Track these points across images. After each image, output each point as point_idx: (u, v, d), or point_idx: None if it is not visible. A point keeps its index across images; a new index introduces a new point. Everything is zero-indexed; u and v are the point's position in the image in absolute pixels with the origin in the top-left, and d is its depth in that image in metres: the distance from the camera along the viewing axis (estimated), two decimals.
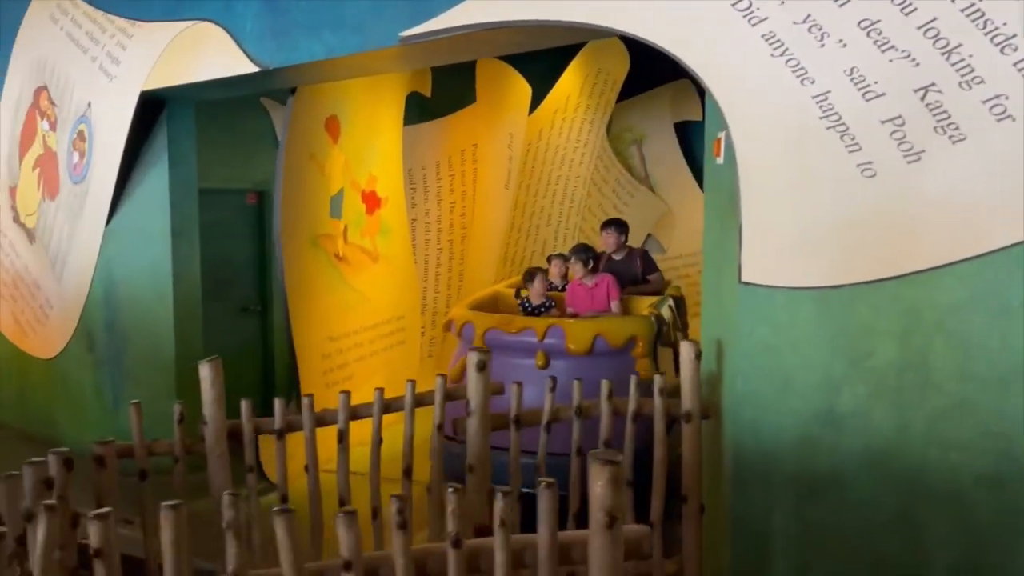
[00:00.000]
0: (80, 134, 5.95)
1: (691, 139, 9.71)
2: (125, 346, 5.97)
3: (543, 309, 5.93)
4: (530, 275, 6.08)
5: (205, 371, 2.82)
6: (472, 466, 2.91)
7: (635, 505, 3.01)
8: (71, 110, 6.03)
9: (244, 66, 4.75)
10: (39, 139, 6.41)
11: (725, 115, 2.89)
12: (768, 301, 2.84)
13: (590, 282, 5.78)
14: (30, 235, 6.58)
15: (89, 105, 5.85)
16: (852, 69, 2.61)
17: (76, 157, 6.02)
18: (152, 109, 5.64)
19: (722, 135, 3.07)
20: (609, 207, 9.39)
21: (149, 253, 5.84)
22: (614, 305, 5.69)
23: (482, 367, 2.88)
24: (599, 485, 1.68)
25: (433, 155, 8.05)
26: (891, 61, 2.55)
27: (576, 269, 5.82)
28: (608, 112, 9.02)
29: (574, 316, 5.60)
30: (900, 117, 2.55)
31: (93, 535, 1.61)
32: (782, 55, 2.73)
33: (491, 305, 6.20)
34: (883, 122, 2.57)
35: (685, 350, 3.02)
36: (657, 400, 3.04)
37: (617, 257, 6.42)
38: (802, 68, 2.70)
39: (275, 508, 1.67)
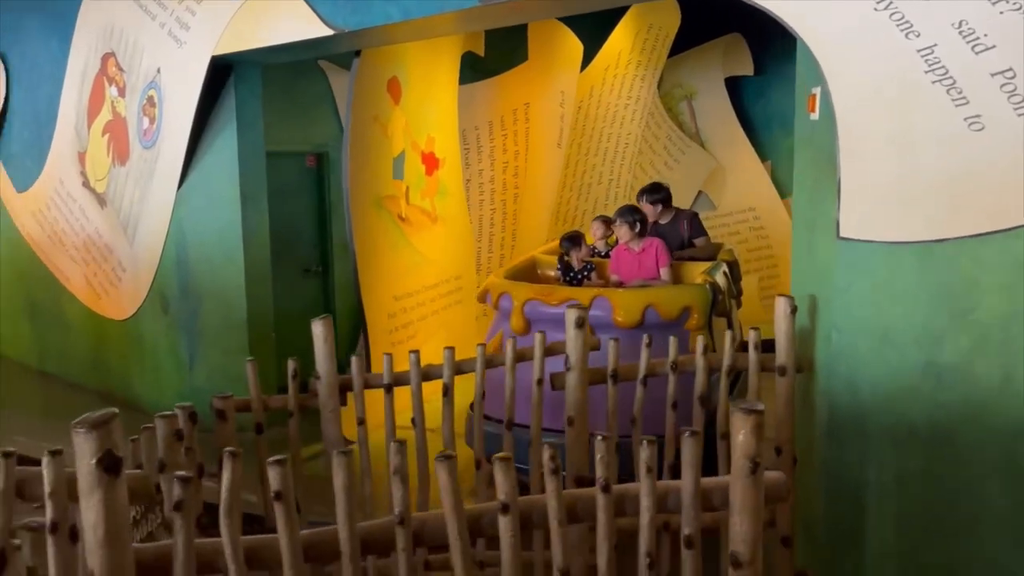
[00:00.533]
0: (150, 100, 6.05)
1: (742, 94, 9.60)
2: (198, 307, 6.13)
3: (582, 275, 5.64)
4: (572, 239, 5.79)
5: (318, 328, 2.92)
6: (572, 419, 3.00)
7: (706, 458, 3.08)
8: (140, 76, 6.12)
9: (317, 29, 4.79)
10: (107, 105, 6.52)
11: (824, 70, 2.89)
12: (867, 256, 2.86)
13: (637, 247, 5.36)
14: (100, 200, 6.73)
15: (159, 71, 5.93)
16: (960, 22, 2.60)
17: (146, 123, 6.12)
18: (220, 74, 5.71)
19: (817, 91, 3.07)
20: (660, 164, 9.36)
21: (220, 216, 5.96)
22: (664, 272, 5.27)
23: (580, 324, 2.95)
24: (742, 433, 1.75)
25: (486, 115, 8.07)
26: (1001, 13, 2.54)
27: (622, 233, 5.39)
28: (660, 68, 8.95)
29: (618, 285, 5.30)
30: (1011, 70, 2.54)
31: (273, 479, 1.71)
32: (886, 8, 2.72)
33: (529, 273, 5.95)
34: (993, 75, 2.57)
35: (780, 305, 3.06)
36: (752, 355, 3.10)
37: (663, 221, 6.01)
38: (907, 22, 2.69)
39: (439, 454, 1.76)
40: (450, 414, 3.02)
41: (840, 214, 2.90)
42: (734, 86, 9.56)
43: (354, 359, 3.03)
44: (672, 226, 6.01)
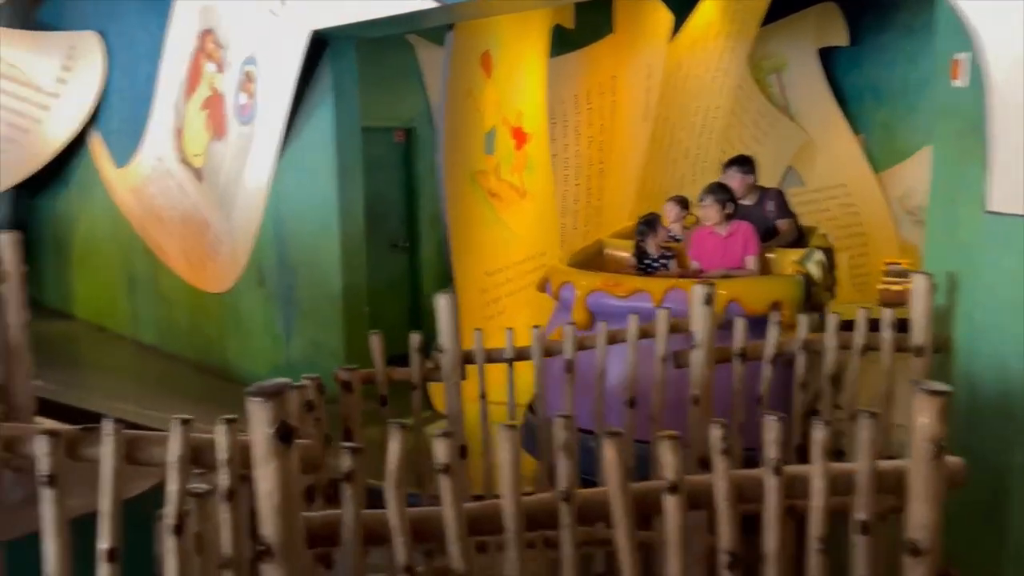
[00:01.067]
0: (247, 76, 6.13)
1: (834, 65, 9.27)
2: (295, 280, 6.22)
3: (659, 263, 5.17)
4: (648, 223, 5.30)
5: (443, 302, 2.92)
6: (697, 398, 2.94)
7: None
8: (238, 52, 6.20)
9: (418, 1, 4.77)
10: (205, 81, 6.64)
11: (977, 35, 2.73)
12: (1018, 230, 2.71)
13: (723, 231, 4.77)
14: (198, 175, 6.88)
15: (257, 47, 6.00)
16: None
17: (244, 98, 6.21)
18: (316, 49, 5.74)
19: (963, 57, 2.91)
20: (748, 138, 9.13)
21: (316, 191, 6.02)
22: (750, 261, 4.70)
23: (708, 300, 2.88)
24: (926, 415, 1.67)
25: (572, 88, 7.96)
26: None
27: (710, 214, 4.79)
28: (751, 39, 8.70)
29: (698, 273, 4.79)
30: None
31: (440, 452, 1.70)
32: None
33: (595, 259, 5.47)
34: None
35: (919, 282, 2.94)
36: (886, 335, 2.98)
37: (747, 201, 5.40)
38: None
39: (607, 431, 1.73)
40: (570, 389, 2.99)
41: (988, 187, 2.75)
42: (826, 57, 9.24)
43: (477, 332, 3.02)
44: (757, 207, 5.45)
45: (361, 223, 6.22)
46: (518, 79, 6.72)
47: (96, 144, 8.09)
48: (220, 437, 1.71)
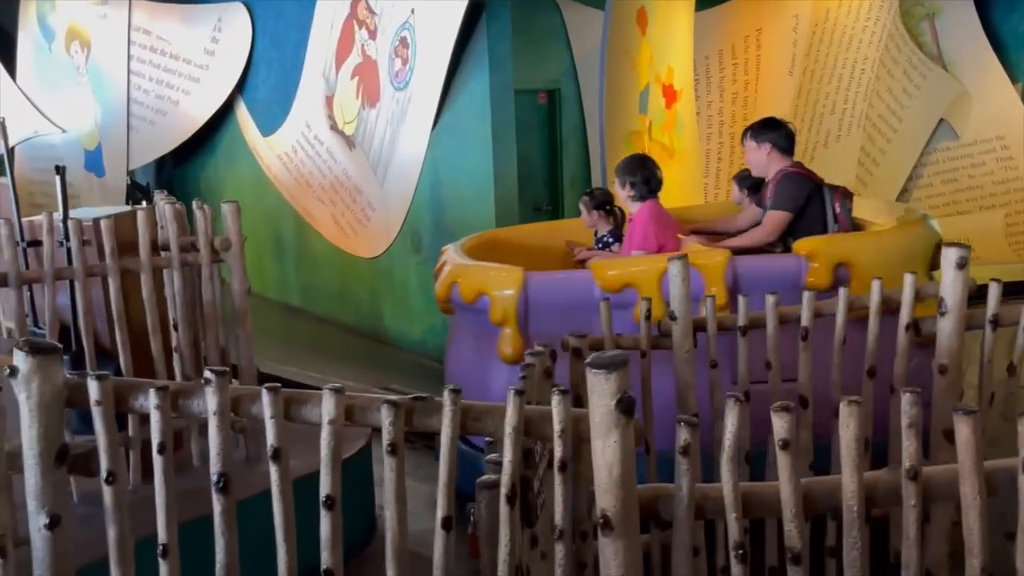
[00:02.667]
0: (402, 41, 6.15)
1: (991, 11, 8.67)
2: None
3: (604, 243, 4.52)
4: (587, 196, 4.66)
5: (675, 268, 2.86)
6: (944, 367, 2.80)
7: None
8: (392, 18, 6.22)
9: None
10: (357, 48, 6.69)
11: None
12: None
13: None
14: (349, 142, 6.98)
15: (412, 11, 6.00)
16: None
17: (398, 64, 6.24)
18: (471, 11, 5.70)
19: None
20: (898, 90, 8.66)
21: (471, 155, 6.02)
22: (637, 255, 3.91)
23: (962, 264, 2.72)
24: None
25: (716, 43, 7.73)
26: None
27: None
28: None
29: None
30: None
31: (779, 429, 1.65)
32: None
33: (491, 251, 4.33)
34: None
35: None
36: None
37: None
38: None
39: (956, 406, 1.64)
40: (808, 358, 2.90)
41: None
42: (982, 1, 8.65)
43: (709, 299, 2.96)
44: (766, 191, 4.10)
45: (514, 187, 6.20)
46: (669, 35, 6.54)
47: (242, 113, 8.32)
48: (556, 408, 1.70)
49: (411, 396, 1.77)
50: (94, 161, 9.57)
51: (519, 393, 2.31)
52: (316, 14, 7.05)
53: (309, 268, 7.82)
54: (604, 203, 4.53)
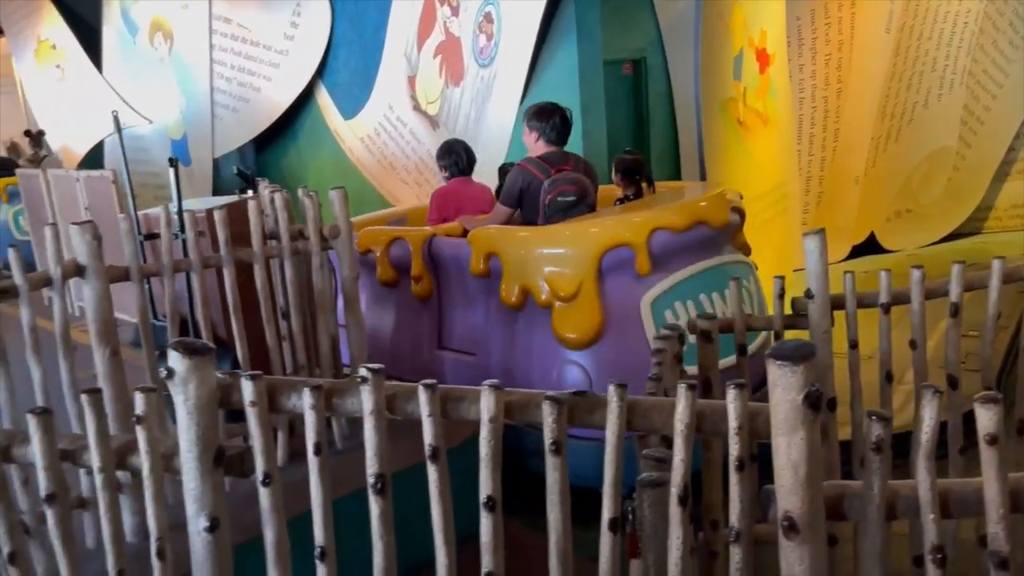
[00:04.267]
0: (487, 16, 6.03)
1: None
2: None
3: None
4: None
5: (812, 243, 2.69)
6: None
7: None
8: None
9: None
10: (439, 26, 6.60)
11: None
12: None
13: None
14: (432, 122, 6.91)
15: None
16: None
17: (483, 40, 6.12)
18: None
19: None
20: (1004, 44, 8.16)
21: None
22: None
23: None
24: None
25: (808, 3, 7.38)
26: None
27: None
28: None
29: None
30: None
31: (984, 420, 1.50)
32: None
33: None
34: None
35: None
36: None
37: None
38: None
39: None
40: (956, 337, 2.70)
41: None
42: None
43: (847, 276, 2.78)
44: None
45: (605, 160, 6.04)
46: None
47: (323, 97, 8.33)
48: (732, 403, 1.58)
49: (572, 392, 1.67)
50: (180, 151, 9.76)
51: (657, 379, 2.21)
52: None
53: None
54: (630, 169, 4.66)
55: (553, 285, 3.61)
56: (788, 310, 2.84)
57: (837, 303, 2.78)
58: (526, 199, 4.13)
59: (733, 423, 1.60)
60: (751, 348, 3.99)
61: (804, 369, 1.50)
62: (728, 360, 3.42)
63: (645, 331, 3.61)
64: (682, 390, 1.59)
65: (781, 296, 2.80)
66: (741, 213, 4.28)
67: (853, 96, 7.64)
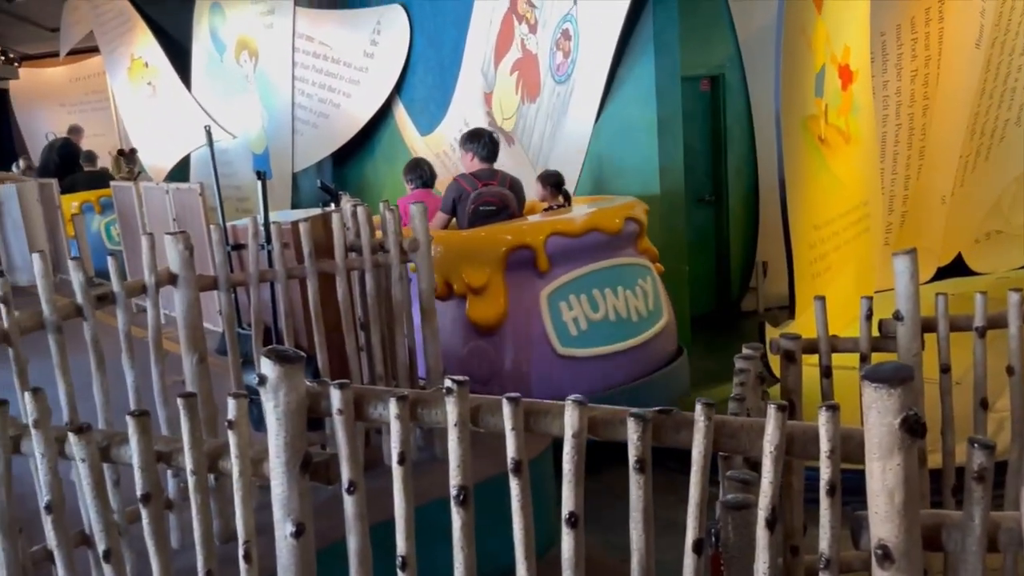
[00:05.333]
0: (564, 33, 6.06)
1: None
2: None
3: None
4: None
5: (902, 263, 2.61)
6: None
7: None
8: (554, 10, 6.14)
9: None
10: (516, 43, 6.66)
11: None
12: None
13: None
14: (508, 138, 6.96)
15: (575, 3, 5.89)
16: None
17: (559, 57, 6.15)
18: None
19: None
20: None
21: (635, 146, 5.87)
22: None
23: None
24: None
25: (894, 17, 7.19)
26: None
27: None
28: None
29: None
30: None
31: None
32: None
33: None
34: None
35: None
36: None
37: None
38: None
39: None
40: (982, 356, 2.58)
41: None
42: None
43: (940, 298, 2.69)
44: None
45: (681, 177, 6.02)
46: (845, 12, 6.15)
47: (400, 113, 8.48)
48: (824, 425, 1.54)
49: (657, 409, 1.65)
50: (261, 164, 10.06)
51: (740, 400, 2.16)
52: (475, 11, 7.08)
53: None
54: (554, 182, 5.47)
55: (468, 278, 4.34)
56: (875, 332, 2.76)
57: (927, 326, 2.69)
58: (458, 208, 4.82)
59: (825, 446, 1.56)
60: (644, 336, 4.80)
61: (902, 392, 1.45)
62: (624, 344, 4.71)
63: (542, 318, 4.39)
64: (772, 411, 1.56)
65: (868, 317, 2.72)
66: (639, 223, 4.87)
67: (940, 113, 7.41)
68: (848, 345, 2.79)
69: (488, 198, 4.69)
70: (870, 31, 6.63)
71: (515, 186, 4.97)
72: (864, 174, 6.70)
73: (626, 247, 4.79)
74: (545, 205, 5.35)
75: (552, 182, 5.43)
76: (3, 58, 15.91)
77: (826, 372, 2.77)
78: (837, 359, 2.82)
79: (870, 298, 2.74)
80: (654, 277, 4.96)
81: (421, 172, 5.42)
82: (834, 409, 1.56)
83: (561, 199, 5.33)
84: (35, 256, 2.55)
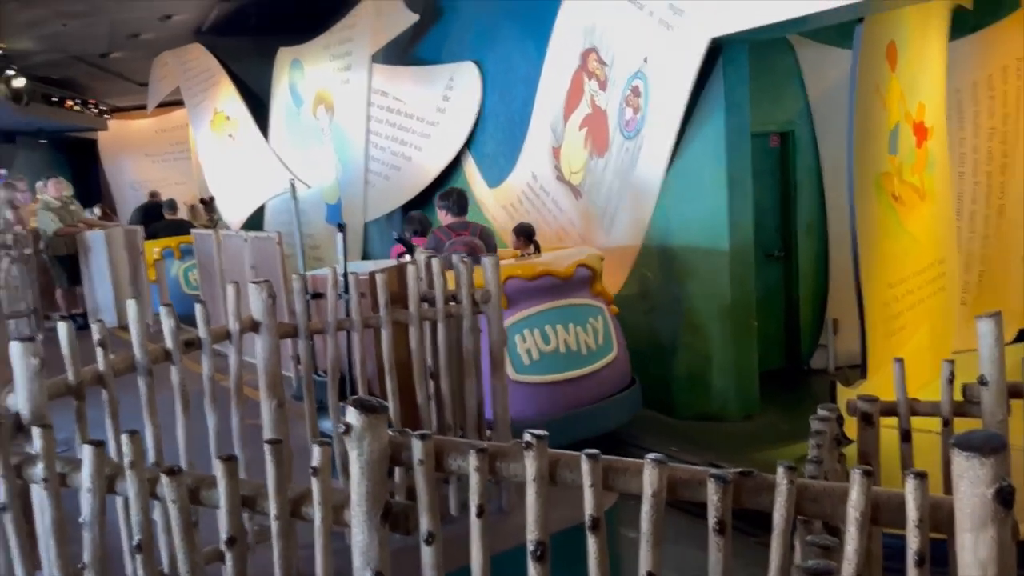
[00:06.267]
0: (634, 90, 6.14)
1: None
2: (681, 293, 6.11)
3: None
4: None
5: (987, 326, 2.56)
6: None
7: None
8: (623, 68, 6.23)
9: None
10: (586, 100, 6.77)
11: None
12: None
13: None
14: (575, 191, 7.04)
15: (645, 60, 5.98)
16: None
17: (629, 113, 6.23)
18: (708, 55, 5.58)
19: None
20: None
21: (704, 201, 5.87)
22: None
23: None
24: None
25: (970, 75, 7.10)
26: None
27: None
28: None
29: None
30: None
31: None
32: None
33: None
34: None
35: None
36: None
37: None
38: None
39: None
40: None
41: None
42: None
43: None
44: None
45: (750, 233, 5.98)
46: (920, 69, 6.09)
47: (470, 166, 8.66)
48: (911, 494, 1.51)
49: (738, 471, 1.64)
50: (334, 214, 10.35)
51: (817, 462, 2.13)
52: (545, 68, 7.23)
53: None
54: (526, 233, 6.12)
55: None
56: (958, 396, 2.69)
57: (1014, 390, 2.61)
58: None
59: (913, 515, 1.53)
60: (593, 367, 5.42)
61: (994, 462, 1.42)
62: (574, 373, 5.38)
63: None
64: (856, 476, 1.54)
65: (950, 381, 2.65)
66: (592, 269, 5.50)
67: (1019, 171, 7.23)
68: (928, 409, 2.72)
69: (459, 247, 5.30)
70: (946, 89, 6.56)
71: (484, 234, 5.74)
72: (940, 232, 6.56)
73: (579, 289, 5.45)
74: (518, 253, 5.98)
75: (523, 234, 6.09)
76: (95, 110, 16.83)
77: (905, 436, 2.71)
78: (915, 423, 2.75)
79: (952, 361, 2.67)
80: (606, 316, 5.59)
81: (419, 225, 6.15)
82: (922, 477, 1.53)
83: (532, 248, 5.93)
84: (130, 302, 2.67)
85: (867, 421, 2.65)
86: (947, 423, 2.67)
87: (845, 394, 5.12)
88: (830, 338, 7.13)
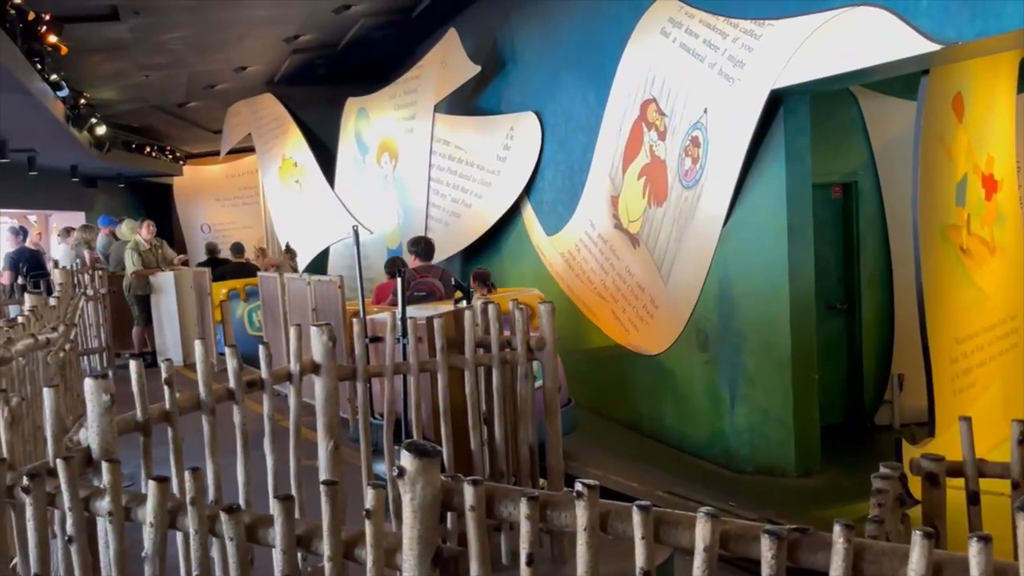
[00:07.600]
0: (693, 140, 6.16)
1: None
2: (740, 344, 6.03)
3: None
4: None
5: None
6: None
7: None
8: (683, 118, 6.27)
9: (915, 46, 4.38)
10: (645, 150, 6.82)
11: None
12: None
13: None
14: (633, 240, 7.04)
15: (705, 111, 6.01)
16: None
17: (688, 163, 6.24)
18: (769, 106, 5.58)
19: None
20: None
21: (765, 251, 5.81)
22: None
23: None
24: None
25: None
26: None
27: None
28: None
29: None
30: None
31: None
32: None
33: None
34: None
35: None
36: None
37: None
38: None
39: None
40: None
41: None
42: None
43: None
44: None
45: (811, 285, 5.90)
46: (988, 121, 5.98)
47: (528, 214, 8.75)
48: (976, 558, 1.46)
49: (793, 528, 1.62)
50: None
51: (879, 522, 2.07)
52: (605, 118, 7.31)
53: (586, 362, 7.89)
54: (481, 278, 6.88)
55: None
56: None
57: None
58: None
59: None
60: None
61: None
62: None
63: None
64: (917, 538, 1.50)
65: (1021, 442, 2.56)
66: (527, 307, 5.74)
67: None
68: (997, 470, 2.62)
69: (420, 287, 6.19)
70: (1017, 139, 6.42)
71: (443, 276, 6.51)
72: (1011, 287, 6.37)
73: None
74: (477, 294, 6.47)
75: (480, 278, 6.85)
76: (171, 156, 17.57)
77: (973, 499, 2.61)
78: (983, 484, 2.65)
79: (1022, 422, 2.58)
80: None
81: (394, 269, 6.55)
82: (986, 540, 1.48)
83: (486, 291, 6.62)
84: (197, 342, 2.77)
85: (932, 481, 2.57)
86: (1016, 486, 2.56)
87: (910, 452, 4.95)
88: (895, 394, 6.92)
